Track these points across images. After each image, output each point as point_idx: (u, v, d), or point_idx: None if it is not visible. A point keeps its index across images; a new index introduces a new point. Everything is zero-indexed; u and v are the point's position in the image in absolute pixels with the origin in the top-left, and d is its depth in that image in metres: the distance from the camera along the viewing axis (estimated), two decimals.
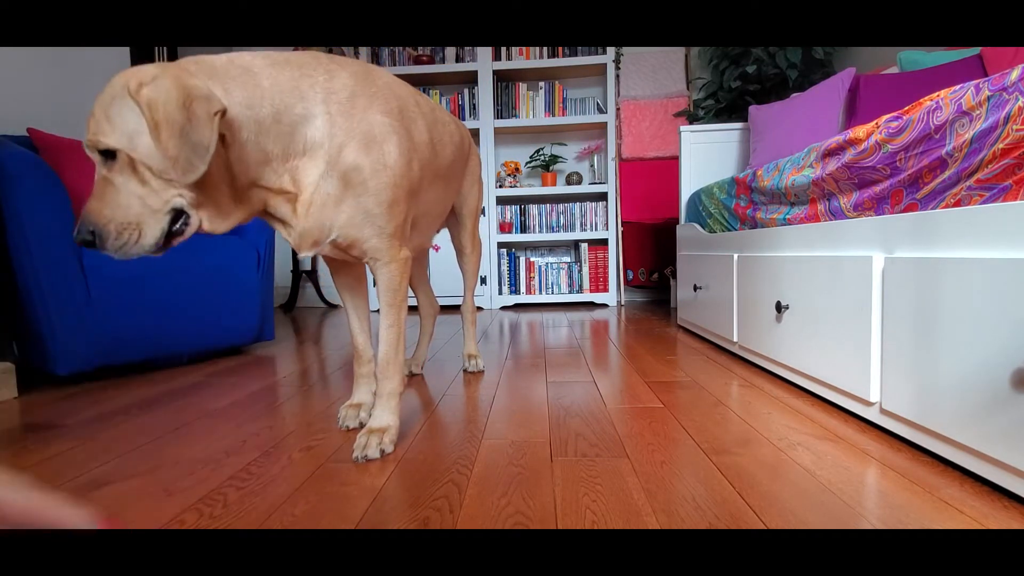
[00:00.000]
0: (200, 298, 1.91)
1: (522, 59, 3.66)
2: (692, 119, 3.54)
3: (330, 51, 4.00)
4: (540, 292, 3.76)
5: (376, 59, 3.76)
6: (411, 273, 1.40)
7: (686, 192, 2.67)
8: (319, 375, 1.74)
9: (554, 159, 3.75)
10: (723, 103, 3.28)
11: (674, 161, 3.57)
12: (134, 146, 0.81)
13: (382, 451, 1.03)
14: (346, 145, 0.96)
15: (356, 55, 3.79)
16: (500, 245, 3.75)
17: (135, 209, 0.83)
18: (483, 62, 3.61)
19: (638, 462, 0.97)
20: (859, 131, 1.18)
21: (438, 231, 1.57)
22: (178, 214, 0.87)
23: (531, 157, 3.81)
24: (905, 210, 1.09)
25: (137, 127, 0.81)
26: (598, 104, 3.70)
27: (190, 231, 0.89)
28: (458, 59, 3.73)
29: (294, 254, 3.95)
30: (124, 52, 2.60)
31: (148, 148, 0.82)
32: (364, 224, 1.00)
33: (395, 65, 3.74)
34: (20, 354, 1.68)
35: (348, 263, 1.22)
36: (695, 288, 2.28)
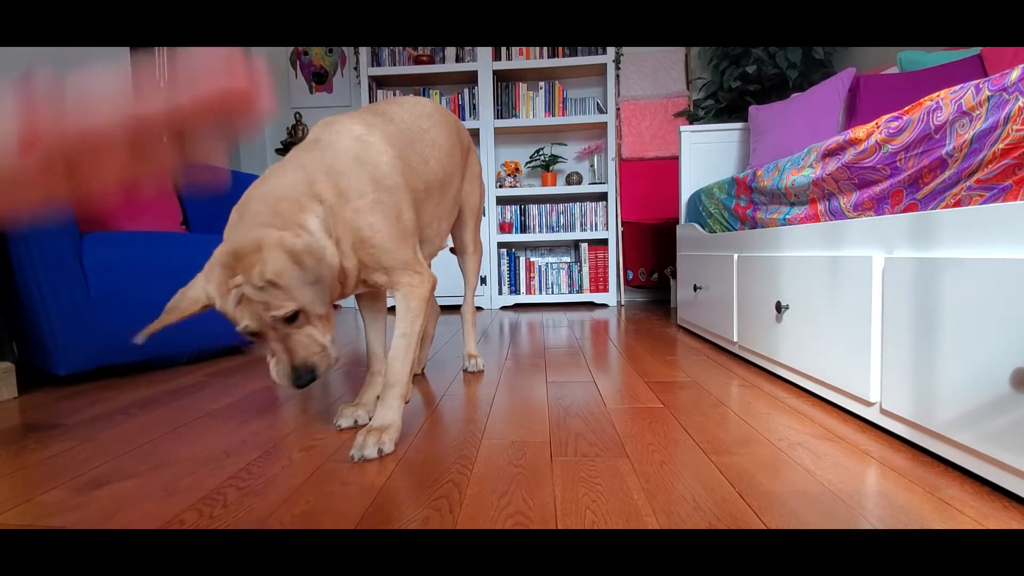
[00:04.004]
0: None
1: (522, 59, 3.66)
2: (692, 119, 3.54)
3: (330, 52, 4.00)
4: (540, 292, 3.76)
5: (376, 59, 3.76)
6: None
7: (686, 192, 2.67)
8: None
9: (554, 159, 3.75)
10: (723, 103, 3.28)
11: (674, 161, 3.57)
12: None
13: (380, 451, 1.02)
14: None
15: (356, 55, 3.79)
16: (500, 245, 3.75)
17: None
18: (483, 62, 3.61)
19: (638, 462, 0.97)
20: (859, 131, 1.18)
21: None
22: None
23: (531, 157, 3.81)
24: (905, 210, 1.09)
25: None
26: (598, 104, 3.70)
27: None
28: (458, 59, 3.73)
29: None
30: (124, 52, 2.60)
31: None
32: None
33: (395, 65, 3.74)
34: (20, 354, 1.68)
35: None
36: (695, 288, 2.28)
